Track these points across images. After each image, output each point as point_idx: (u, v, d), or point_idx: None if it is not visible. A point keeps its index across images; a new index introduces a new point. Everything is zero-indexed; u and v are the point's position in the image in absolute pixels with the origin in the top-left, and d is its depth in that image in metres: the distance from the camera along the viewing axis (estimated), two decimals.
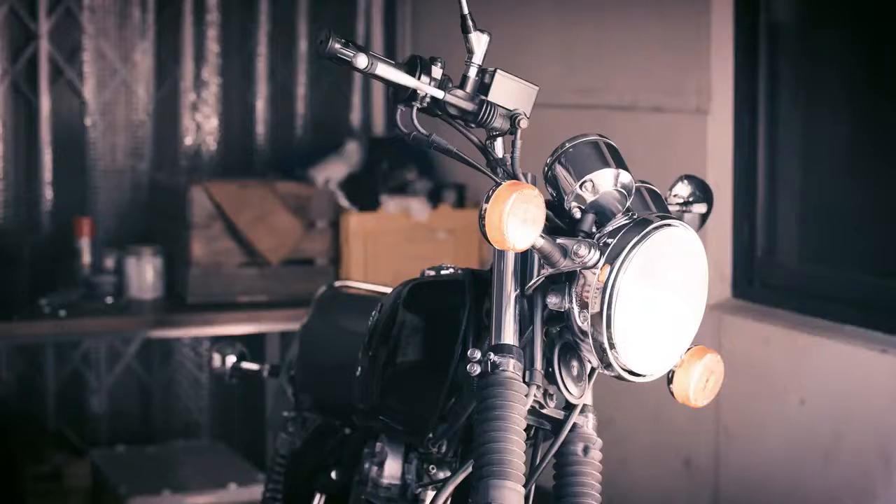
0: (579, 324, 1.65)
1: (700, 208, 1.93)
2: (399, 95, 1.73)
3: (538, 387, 1.67)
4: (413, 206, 4.39)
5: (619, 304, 1.62)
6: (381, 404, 1.93)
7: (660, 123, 3.55)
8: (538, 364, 1.68)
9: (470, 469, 1.65)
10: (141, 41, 4.61)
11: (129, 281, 4.27)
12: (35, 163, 4.49)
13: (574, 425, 1.73)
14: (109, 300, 4.17)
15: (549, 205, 1.66)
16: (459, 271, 1.88)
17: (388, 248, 4.34)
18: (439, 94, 1.71)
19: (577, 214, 1.68)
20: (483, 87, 1.74)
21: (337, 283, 2.68)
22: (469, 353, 1.68)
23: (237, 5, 4.78)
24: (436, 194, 4.48)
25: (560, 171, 1.67)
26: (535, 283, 1.68)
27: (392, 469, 1.99)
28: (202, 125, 4.74)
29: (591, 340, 1.64)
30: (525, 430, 1.63)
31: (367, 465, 2.03)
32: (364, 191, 4.42)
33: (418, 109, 1.73)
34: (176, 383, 4.73)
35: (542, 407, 1.72)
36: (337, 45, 1.66)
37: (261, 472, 4.16)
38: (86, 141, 4.55)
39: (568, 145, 1.68)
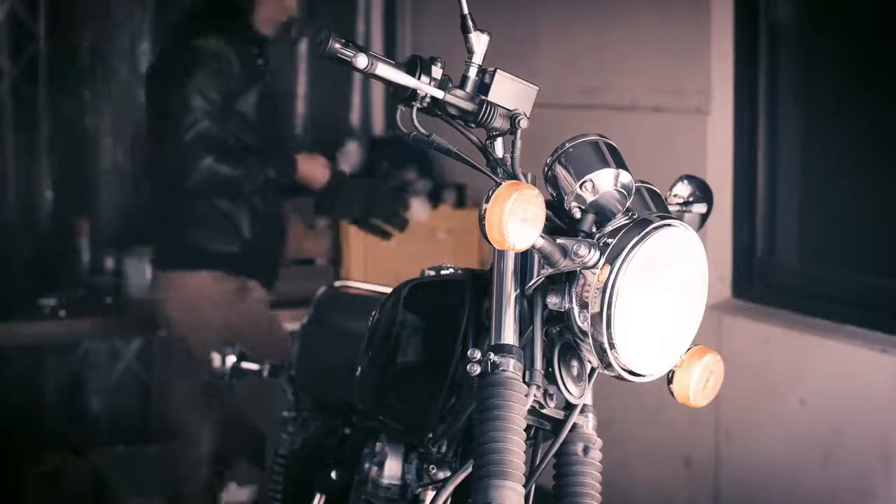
0: (579, 324, 1.65)
1: (700, 208, 1.92)
2: (399, 95, 1.72)
3: (538, 387, 1.66)
4: (413, 206, 4.39)
5: (619, 304, 1.61)
6: (381, 404, 1.92)
7: (660, 123, 3.55)
8: (538, 364, 1.67)
9: (470, 469, 1.64)
10: (141, 41, 4.61)
11: (129, 281, 4.26)
12: (35, 163, 4.49)
13: (574, 425, 1.73)
14: (109, 300, 4.17)
15: (549, 205, 1.65)
16: (459, 271, 1.87)
17: (388, 248, 4.33)
18: (439, 94, 1.71)
19: (577, 214, 1.67)
20: (483, 87, 1.73)
21: (337, 283, 2.68)
22: (469, 353, 1.67)
23: None
24: (436, 194, 4.48)
25: (560, 171, 1.67)
26: (535, 283, 1.67)
27: (392, 469, 1.99)
28: None
29: (591, 340, 1.64)
30: (525, 430, 1.62)
31: (367, 465, 2.02)
32: None
33: (418, 109, 1.72)
34: None
35: (542, 407, 1.71)
36: (337, 45, 1.65)
37: (261, 471, 4.15)
38: (86, 141, 4.55)
39: (568, 145, 1.68)
